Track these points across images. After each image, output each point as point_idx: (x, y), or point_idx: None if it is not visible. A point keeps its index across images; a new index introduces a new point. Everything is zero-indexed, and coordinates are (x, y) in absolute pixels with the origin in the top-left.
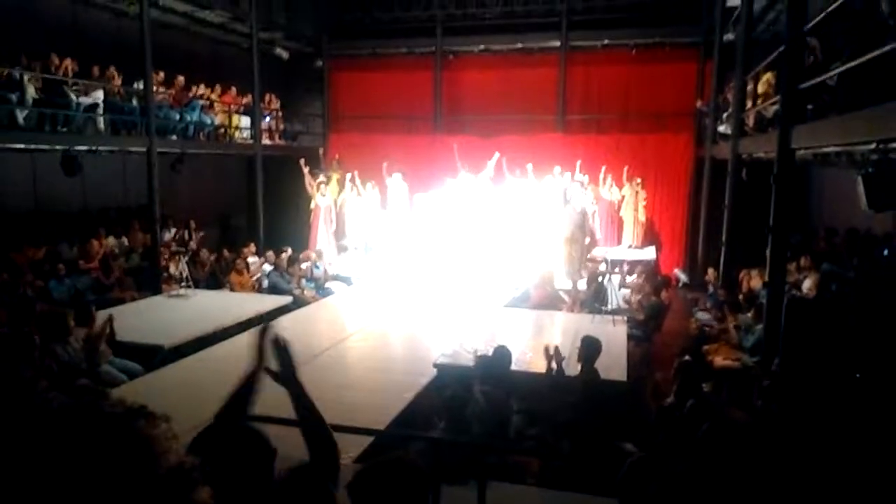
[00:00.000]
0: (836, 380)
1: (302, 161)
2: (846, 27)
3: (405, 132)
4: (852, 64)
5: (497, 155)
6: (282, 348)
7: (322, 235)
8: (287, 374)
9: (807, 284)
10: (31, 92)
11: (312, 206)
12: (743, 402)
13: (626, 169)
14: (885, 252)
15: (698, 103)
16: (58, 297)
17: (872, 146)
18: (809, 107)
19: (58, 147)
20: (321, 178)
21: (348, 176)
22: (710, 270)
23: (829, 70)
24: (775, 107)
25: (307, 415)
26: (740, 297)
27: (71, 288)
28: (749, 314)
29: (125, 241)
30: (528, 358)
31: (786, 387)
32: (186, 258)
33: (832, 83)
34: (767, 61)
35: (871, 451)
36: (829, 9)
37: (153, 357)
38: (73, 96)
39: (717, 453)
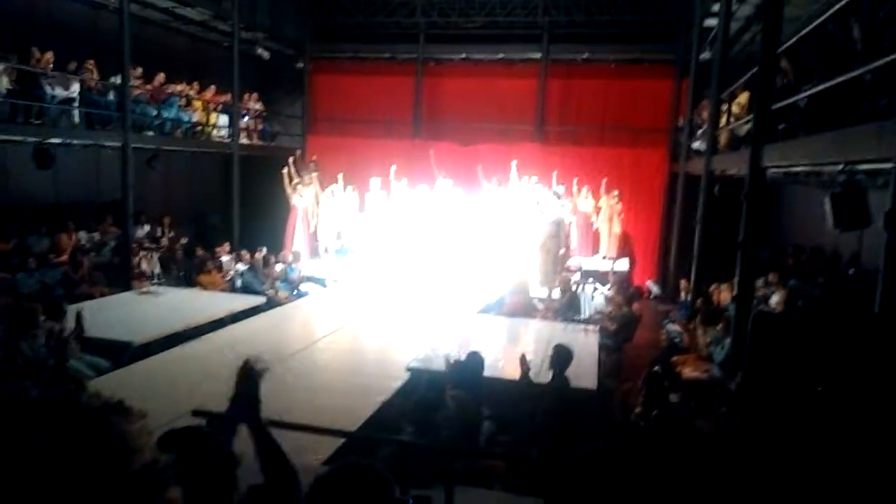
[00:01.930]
0: (799, 393)
1: (291, 161)
2: (818, 50)
3: (384, 137)
4: (822, 87)
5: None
6: (252, 381)
7: (299, 237)
8: (250, 414)
9: (774, 299)
10: (4, 83)
11: (290, 206)
12: (710, 413)
13: (604, 181)
14: (851, 271)
15: (680, 121)
16: (26, 291)
17: (840, 167)
18: (781, 127)
19: (30, 139)
20: (297, 178)
21: (336, 179)
22: (683, 282)
23: (800, 92)
24: (748, 126)
25: (269, 453)
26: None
27: (40, 282)
28: (718, 327)
29: (96, 236)
30: (500, 365)
31: (748, 399)
32: (158, 255)
33: (803, 104)
34: (741, 81)
35: (832, 462)
36: (803, 32)
37: (122, 354)
38: (48, 89)
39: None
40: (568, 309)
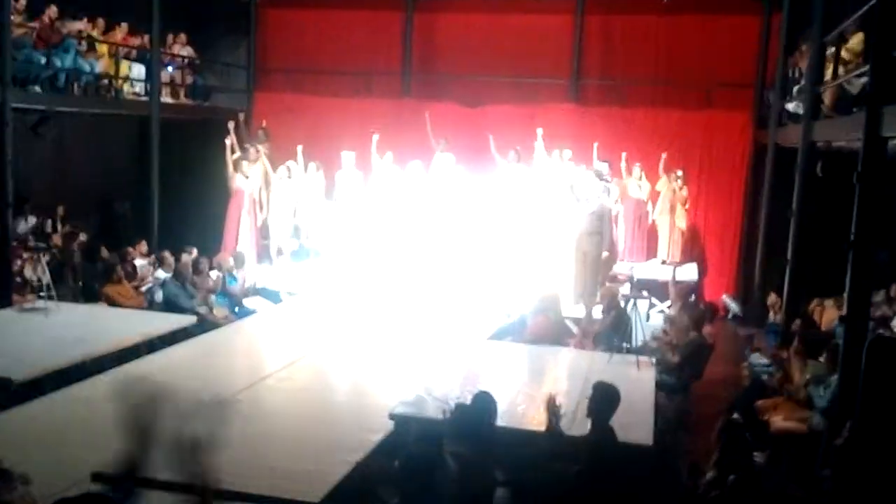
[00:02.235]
0: None
1: (232, 128)
2: None
3: (362, 95)
4: None
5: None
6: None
7: (242, 233)
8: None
9: None
10: None
11: (231, 191)
12: (808, 477)
13: (663, 157)
14: None
15: (770, 74)
16: None
17: None
18: None
19: None
20: (240, 152)
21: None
22: (773, 296)
23: None
24: (863, 80)
25: None
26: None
27: None
28: (821, 359)
29: None
30: (519, 410)
31: (860, 458)
32: (48, 258)
33: None
34: (854, 18)
35: None
36: None
37: None
38: None
39: None
40: (613, 333)
